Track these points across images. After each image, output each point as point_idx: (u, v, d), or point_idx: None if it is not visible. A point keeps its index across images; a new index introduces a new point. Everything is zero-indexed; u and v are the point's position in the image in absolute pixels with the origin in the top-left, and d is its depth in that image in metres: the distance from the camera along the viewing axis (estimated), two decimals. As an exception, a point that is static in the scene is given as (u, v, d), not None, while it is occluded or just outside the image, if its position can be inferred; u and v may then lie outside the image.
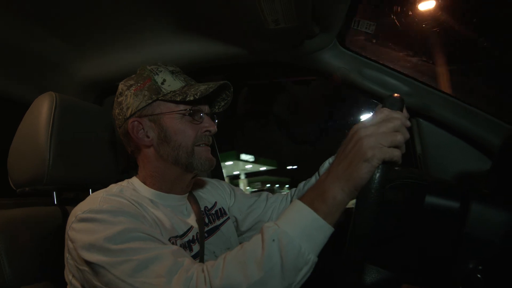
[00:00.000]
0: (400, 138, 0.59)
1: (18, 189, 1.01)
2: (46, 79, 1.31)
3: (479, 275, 0.62)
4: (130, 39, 1.22)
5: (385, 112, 0.62)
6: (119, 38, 1.21)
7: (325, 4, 0.94)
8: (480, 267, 0.62)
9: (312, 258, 0.62)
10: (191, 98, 0.84)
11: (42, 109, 0.97)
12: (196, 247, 0.88)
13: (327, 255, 0.65)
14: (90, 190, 1.13)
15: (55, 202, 1.08)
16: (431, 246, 0.68)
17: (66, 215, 1.05)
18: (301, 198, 0.66)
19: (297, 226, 0.62)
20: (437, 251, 0.68)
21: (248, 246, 0.64)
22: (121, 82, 0.92)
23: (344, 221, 0.63)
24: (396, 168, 0.63)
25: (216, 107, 1.01)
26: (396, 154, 0.59)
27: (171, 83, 0.89)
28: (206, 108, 0.93)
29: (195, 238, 0.89)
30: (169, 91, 0.87)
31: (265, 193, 1.17)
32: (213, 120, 0.96)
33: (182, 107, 0.88)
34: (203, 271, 0.64)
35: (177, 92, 0.87)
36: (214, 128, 0.92)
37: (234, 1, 0.94)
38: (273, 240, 0.61)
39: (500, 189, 0.78)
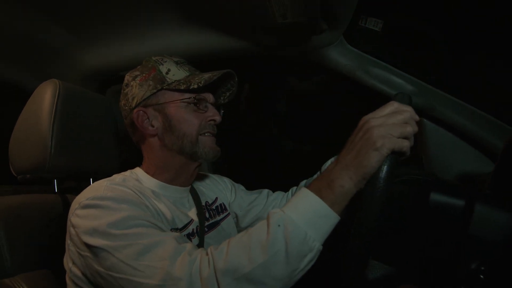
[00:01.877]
0: (409, 129, 0.60)
1: (19, 176, 1.00)
2: (50, 66, 1.30)
3: (481, 276, 0.63)
4: (135, 29, 1.21)
5: (395, 104, 0.62)
6: (124, 28, 1.20)
7: (334, 1, 0.93)
8: (482, 268, 0.63)
9: (317, 245, 0.62)
10: (195, 86, 0.85)
11: (45, 96, 0.97)
12: (195, 241, 0.88)
13: (332, 245, 0.66)
14: (91, 179, 1.13)
15: (56, 190, 1.08)
16: (434, 245, 0.68)
17: (66, 203, 1.05)
18: (308, 187, 0.66)
19: (303, 212, 0.63)
20: (440, 250, 0.68)
21: (254, 230, 0.65)
22: (127, 74, 0.93)
23: (350, 212, 0.64)
24: (401, 164, 0.63)
25: (222, 98, 1.02)
26: (405, 144, 0.59)
27: (175, 72, 0.89)
28: (210, 97, 0.94)
29: (194, 231, 0.89)
30: (173, 81, 0.88)
31: (266, 190, 1.17)
32: (218, 110, 0.96)
33: (186, 96, 0.88)
34: (207, 254, 0.65)
35: (181, 81, 0.87)
36: (219, 117, 0.92)
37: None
38: (279, 225, 0.62)
39: (503, 191, 0.78)
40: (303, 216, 0.62)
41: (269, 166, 2.21)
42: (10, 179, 1.05)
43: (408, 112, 0.61)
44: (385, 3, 1.12)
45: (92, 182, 1.10)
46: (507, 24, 1.06)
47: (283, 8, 0.93)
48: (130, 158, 0.97)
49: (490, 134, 1.08)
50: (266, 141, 2.24)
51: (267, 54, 1.26)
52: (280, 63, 1.65)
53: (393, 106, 0.62)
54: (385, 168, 0.58)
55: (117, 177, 0.84)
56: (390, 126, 0.59)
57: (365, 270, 0.67)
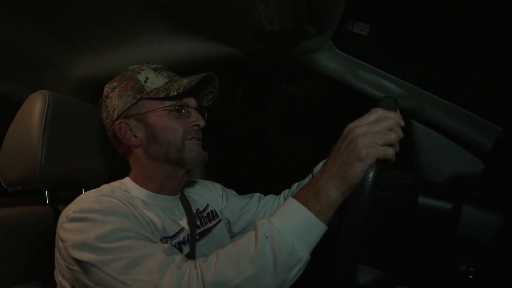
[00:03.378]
0: (394, 137, 0.60)
1: (10, 188, 1.00)
2: (40, 77, 1.29)
3: (471, 277, 0.63)
4: (125, 38, 1.21)
5: (379, 111, 0.62)
6: (114, 38, 1.20)
7: (321, 6, 0.94)
8: (472, 269, 0.63)
9: (305, 256, 0.62)
10: (174, 93, 0.83)
11: (35, 107, 0.96)
12: (186, 249, 0.87)
13: (320, 254, 0.66)
14: (83, 189, 1.12)
15: (47, 202, 1.07)
16: (424, 247, 0.69)
17: (58, 214, 1.04)
18: (295, 196, 0.66)
19: (291, 223, 0.62)
20: (430, 253, 0.68)
21: (241, 242, 0.64)
22: (106, 85, 0.92)
23: (337, 220, 0.64)
24: (390, 169, 0.64)
25: (205, 100, 1.00)
26: (390, 152, 0.59)
27: (154, 80, 0.88)
28: (192, 102, 0.92)
29: (185, 239, 0.88)
30: (152, 89, 0.86)
31: (257, 195, 1.16)
32: (202, 113, 0.95)
33: (167, 103, 0.87)
34: (196, 267, 0.64)
35: (161, 88, 0.86)
36: (202, 122, 0.91)
37: (229, 1, 0.94)
38: (266, 237, 0.61)
39: (492, 191, 0.79)
40: (290, 227, 0.62)
41: (263, 168, 2.21)
42: (0, 191, 1.05)
43: (392, 118, 0.61)
44: (371, 8, 1.14)
45: (84, 192, 1.10)
46: (494, 26, 1.08)
47: (270, 15, 0.94)
48: (122, 167, 0.97)
49: (480, 134, 1.09)
50: (260, 144, 2.24)
51: (257, 60, 1.27)
52: (274, 67, 1.66)
53: (377, 113, 0.62)
54: (370, 176, 0.58)
55: (105, 188, 0.83)
56: (374, 134, 0.59)
57: (355, 276, 0.67)
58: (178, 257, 0.68)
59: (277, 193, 1.17)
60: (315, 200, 0.62)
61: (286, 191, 1.13)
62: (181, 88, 0.83)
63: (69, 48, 1.23)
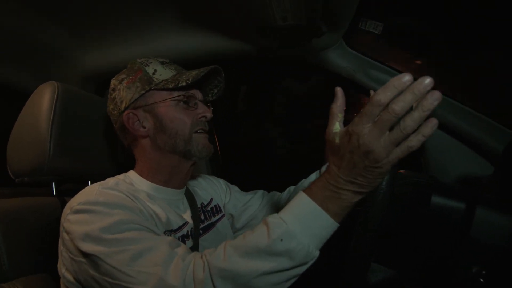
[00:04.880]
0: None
1: (17, 178, 0.99)
2: (48, 68, 1.29)
3: (482, 280, 0.63)
4: (134, 31, 1.21)
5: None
6: (122, 30, 1.20)
7: (334, 3, 0.93)
8: (483, 272, 0.63)
9: (317, 254, 0.63)
10: (183, 83, 0.84)
11: (44, 98, 0.96)
12: (189, 243, 0.87)
13: (330, 250, 0.66)
14: (90, 181, 1.12)
15: (54, 193, 1.07)
16: (435, 248, 0.68)
17: (64, 206, 1.04)
18: (311, 195, 0.63)
19: (306, 226, 0.62)
20: (441, 253, 0.68)
21: (253, 239, 0.63)
22: (113, 78, 0.92)
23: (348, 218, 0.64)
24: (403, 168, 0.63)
25: (210, 95, 1.01)
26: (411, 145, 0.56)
27: (162, 72, 0.89)
28: (199, 95, 0.93)
29: (189, 233, 0.88)
30: (161, 80, 0.87)
31: (261, 191, 1.17)
32: (207, 107, 0.95)
33: (175, 94, 0.88)
34: (201, 257, 0.65)
35: (169, 80, 0.87)
36: (209, 114, 0.92)
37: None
38: (281, 240, 0.60)
39: (503, 194, 0.78)
40: (306, 229, 0.61)
41: (267, 165, 2.21)
42: (7, 181, 1.04)
43: None
44: (385, 6, 1.13)
45: (91, 184, 1.10)
46: (507, 26, 1.07)
47: (283, 11, 0.93)
48: (128, 160, 0.96)
49: (490, 137, 1.08)
50: (264, 141, 2.24)
51: (266, 56, 1.26)
52: (278, 65, 1.65)
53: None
54: (386, 179, 0.59)
55: (110, 181, 0.83)
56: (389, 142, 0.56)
57: (367, 273, 0.67)
58: (182, 250, 0.68)
59: (280, 190, 1.16)
60: (333, 203, 0.61)
61: (292, 187, 1.12)
62: (190, 79, 0.84)
63: (79, 39, 1.23)
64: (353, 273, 0.60)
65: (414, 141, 0.54)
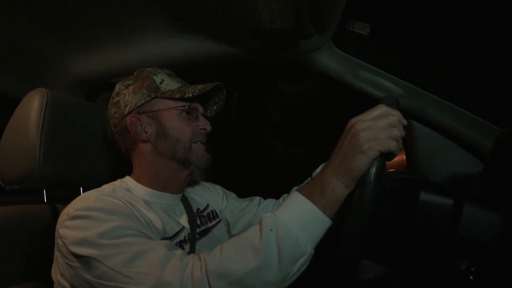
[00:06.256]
0: (396, 132, 0.60)
1: (7, 186, 0.99)
2: (38, 75, 1.29)
3: (471, 277, 0.63)
4: (124, 36, 1.20)
5: (383, 108, 0.63)
6: (113, 36, 1.20)
7: (321, 5, 0.93)
8: (472, 269, 0.63)
9: (309, 249, 0.63)
10: (190, 95, 0.88)
11: (33, 105, 0.96)
12: (187, 248, 0.88)
13: (324, 248, 0.66)
14: (81, 188, 1.11)
15: (45, 200, 1.06)
16: (424, 245, 0.69)
17: (56, 213, 1.04)
18: (300, 190, 0.67)
19: (295, 217, 0.63)
20: (430, 251, 0.68)
21: (246, 235, 0.65)
22: (118, 83, 0.95)
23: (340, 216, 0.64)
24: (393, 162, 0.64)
25: (208, 111, 1.05)
26: (393, 145, 0.59)
27: (169, 83, 0.93)
28: (201, 108, 0.98)
29: (186, 238, 0.89)
30: (167, 90, 0.91)
31: (257, 198, 1.17)
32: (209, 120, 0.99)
33: (180, 104, 0.92)
34: (199, 259, 0.65)
35: (175, 90, 0.90)
36: (209, 127, 0.96)
37: (230, 0, 0.94)
38: (271, 229, 0.62)
39: (492, 191, 0.79)
40: (295, 220, 0.63)
41: (262, 171, 2.21)
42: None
43: (395, 115, 0.62)
44: (372, 8, 1.14)
45: (82, 191, 1.10)
46: (494, 25, 1.08)
47: (271, 13, 0.93)
48: (120, 166, 0.96)
49: (479, 135, 1.09)
50: (259, 146, 2.24)
51: (256, 59, 1.27)
52: (273, 67, 1.65)
53: (381, 109, 0.63)
54: (373, 169, 0.59)
55: (106, 188, 0.83)
56: (377, 129, 0.60)
57: (357, 271, 0.67)
58: (180, 252, 0.69)
59: (277, 196, 1.17)
60: (320, 194, 0.63)
61: (285, 195, 1.14)
62: (196, 92, 0.88)
63: (68, 45, 1.23)
64: (342, 273, 0.60)
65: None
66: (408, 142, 1.22)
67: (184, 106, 0.92)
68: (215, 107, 1.05)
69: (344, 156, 0.62)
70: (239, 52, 1.19)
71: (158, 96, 0.90)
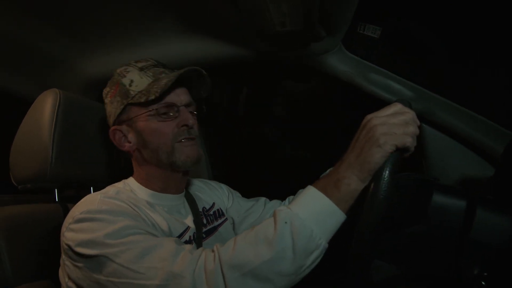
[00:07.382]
0: (412, 129, 0.61)
1: (20, 185, 1.00)
2: (50, 76, 1.30)
3: (483, 282, 0.62)
4: (135, 37, 1.21)
5: (398, 105, 0.63)
6: (124, 37, 1.21)
7: (333, 7, 0.93)
8: (485, 274, 0.62)
9: (323, 243, 0.63)
10: (152, 97, 0.81)
11: (46, 106, 0.97)
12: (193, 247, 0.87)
13: (337, 245, 0.66)
14: (92, 188, 1.12)
15: (56, 200, 1.07)
16: (435, 248, 0.68)
17: (67, 212, 1.04)
18: (314, 184, 0.67)
19: (310, 210, 0.64)
20: (441, 254, 0.67)
21: (260, 227, 0.65)
22: (103, 90, 0.93)
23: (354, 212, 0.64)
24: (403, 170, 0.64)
25: (202, 91, 0.96)
26: (409, 140, 0.60)
27: (138, 82, 0.86)
28: (181, 99, 0.88)
29: (191, 238, 0.89)
30: (136, 92, 0.85)
31: (263, 199, 1.17)
32: (200, 108, 0.94)
33: (150, 107, 0.85)
34: (212, 251, 0.66)
35: (143, 92, 0.84)
36: (191, 121, 0.87)
37: (241, 2, 0.94)
38: (285, 222, 0.62)
39: (504, 196, 0.78)
40: (309, 213, 0.63)
41: (267, 172, 2.20)
42: (10, 188, 1.05)
43: (410, 113, 0.62)
44: (383, 10, 1.14)
45: (93, 191, 1.10)
46: (506, 28, 1.07)
47: (282, 16, 0.94)
48: (130, 166, 0.97)
49: (490, 138, 1.08)
50: (266, 147, 2.23)
51: (265, 60, 1.27)
52: (279, 68, 1.65)
53: (396, 107, 0.63)
54: (389, 164, 0.59)
55: (110, 190, 0.83)
56: (392, 124, 0.60)
57: (369, 269, 0.67)
58: (189, 246, 0.70)
59: (283, 194, 1.16)
60: (335, 188, 0.63)
61: (291, 197, 1.13)
62: (159, 91, 0.81)
63: (80, 46, 1.24)
64: (353, 272, 0.60)
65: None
66: (417, 145, 1.21)
67: (152, 110, 0.84)
68: (202, 89, 0.95)
69: (360, 150, 0.62)
70: (249, 54, 1.20)
71: (129, 102, 0.85)
